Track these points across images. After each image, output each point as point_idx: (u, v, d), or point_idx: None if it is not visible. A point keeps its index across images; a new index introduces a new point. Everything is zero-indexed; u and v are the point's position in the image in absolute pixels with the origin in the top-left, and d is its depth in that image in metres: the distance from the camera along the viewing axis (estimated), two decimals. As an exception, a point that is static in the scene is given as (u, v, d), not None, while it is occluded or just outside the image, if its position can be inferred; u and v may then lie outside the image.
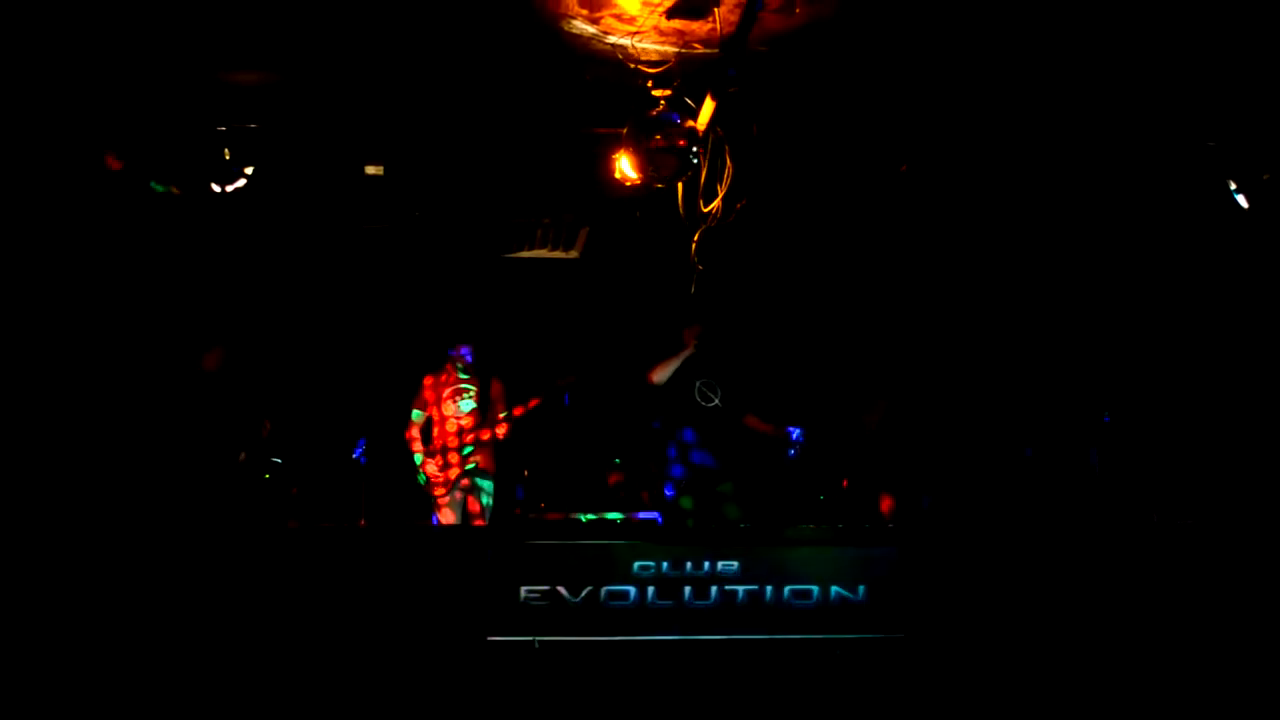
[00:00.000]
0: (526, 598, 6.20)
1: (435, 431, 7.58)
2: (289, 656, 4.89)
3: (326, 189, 7.53)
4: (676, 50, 5.81)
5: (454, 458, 7.49)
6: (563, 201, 8.08)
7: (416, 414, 7.60)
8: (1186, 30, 5.63)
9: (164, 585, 5.11)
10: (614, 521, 8.05)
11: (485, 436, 7.50)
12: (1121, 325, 8.73)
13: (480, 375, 7.63)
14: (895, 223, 8.15)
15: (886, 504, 7.99)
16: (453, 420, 7.55)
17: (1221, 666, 6.09)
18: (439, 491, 7.48)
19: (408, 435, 7.57)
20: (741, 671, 6.16)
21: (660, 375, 7.29)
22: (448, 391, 7.59)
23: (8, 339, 7.11)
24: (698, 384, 7.39)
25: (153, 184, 6.54)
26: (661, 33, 5.63)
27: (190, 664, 4.94)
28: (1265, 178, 6.70)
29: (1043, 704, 6.02)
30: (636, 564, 6.30)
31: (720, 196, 6.33)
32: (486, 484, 7.57)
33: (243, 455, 7.18)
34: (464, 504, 7.49)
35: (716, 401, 7.42)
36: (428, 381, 7.65)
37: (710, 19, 5.40)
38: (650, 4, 5.33)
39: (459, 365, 7.61)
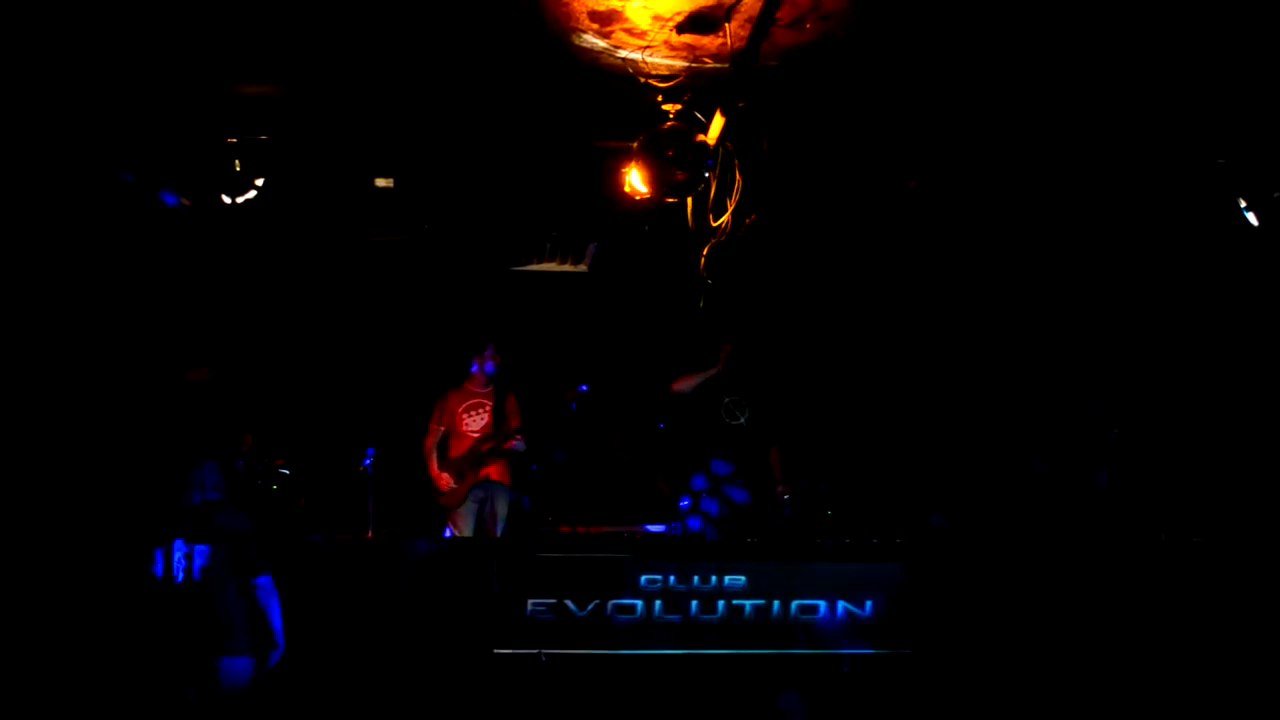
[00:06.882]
0: (533, 611, 6.19)
1: (451, 445, 7.61)
2: (296, 666, 4.88)
3: (337, 201, 7.55)
4: (687, 65, 5.82)
5: (468, 471, 7.50)
6: (572, 215, 8.09)
7: (433, 428, 7.63)
8: (1197, 47, 5.64)
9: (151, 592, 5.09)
10: (622, 535, 8.05)
11: (486, 449, 7.52)
12: (1130, 341, 8.72)
13: (496, 390, 7.67)
14: (904, 239, 8.16)
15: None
16: (468, 434, 7.58)
17: (1229, 682, 6.06)
18: (453, 504, 7.50)
19: (424, 449, 7.60)
20: (748, 687, 6.14)
21: (683, 386, 7.48)
22: (463, 406, 7.63)
23: (13, 346, 7.15)
24: (725, 400, 7.48)
25: None
26: (672, 47, 5.64)
27: (188, 671, 4.94)
28: (1276, 195, 6.70)
29: (1050, 721, 6.01)
30: (643, 578, 6.29)
31: (729, 211, 6.33)
32: (501, 496, 7.60)
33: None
34: (476, 516, 7.51)
35: (742, 420, 7.47)
36: (445, 396, 7.70)
37: (721, 34, 5.42)
38: (661, 18, 5.34)
39: (475, 380, 7.65)
